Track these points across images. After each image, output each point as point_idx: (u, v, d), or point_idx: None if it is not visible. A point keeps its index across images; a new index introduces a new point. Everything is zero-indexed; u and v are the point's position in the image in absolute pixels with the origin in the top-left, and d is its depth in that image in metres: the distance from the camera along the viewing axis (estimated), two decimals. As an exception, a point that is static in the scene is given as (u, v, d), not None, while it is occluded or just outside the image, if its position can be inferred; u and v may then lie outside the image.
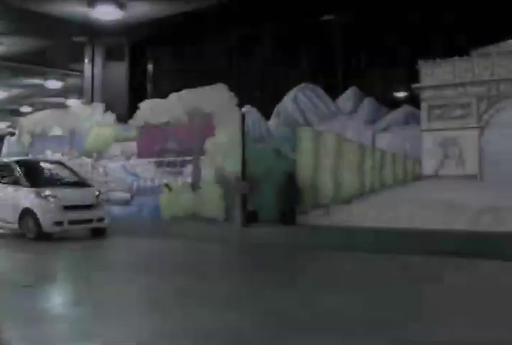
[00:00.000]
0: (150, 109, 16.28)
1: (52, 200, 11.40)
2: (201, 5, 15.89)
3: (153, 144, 16.01)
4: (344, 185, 13.82)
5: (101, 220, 11.81)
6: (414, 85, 13.36)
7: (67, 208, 11.39)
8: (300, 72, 16.56)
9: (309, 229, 13.04)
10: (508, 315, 5.39)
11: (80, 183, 12.59)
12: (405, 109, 14.24)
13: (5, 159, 14.12)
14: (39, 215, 11.21)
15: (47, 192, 11.53)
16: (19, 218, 11.44)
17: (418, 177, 13.15)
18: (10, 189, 11.97)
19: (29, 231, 11.37)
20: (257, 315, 5.33)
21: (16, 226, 11.63)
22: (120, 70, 19.55)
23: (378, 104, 14.84)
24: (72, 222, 11.41)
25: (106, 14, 17.07)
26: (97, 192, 12.25)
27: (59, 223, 11.28)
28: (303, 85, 15.69)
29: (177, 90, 15.58)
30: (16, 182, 11.86)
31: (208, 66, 18.05)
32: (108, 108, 17.47)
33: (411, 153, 13.40)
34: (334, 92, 15.39)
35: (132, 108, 17.07)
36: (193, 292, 6.49)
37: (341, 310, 5.48)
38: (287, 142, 14.51)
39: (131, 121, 16.71)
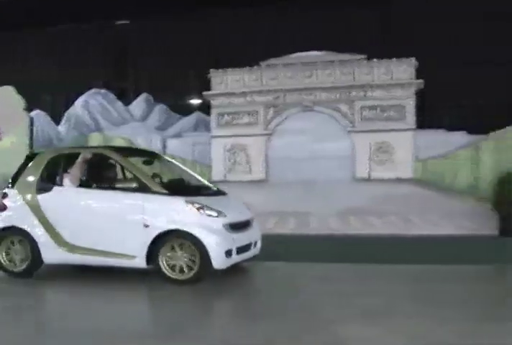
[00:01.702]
0: None
1: (215, 216, 7.26)
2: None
3: None
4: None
5: (256, 243, 7.95)
6: (205, 93, 14.46)
7: (233, 228, 7.35)
8: (92, 76, 16.70)
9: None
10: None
11: (210, 188, 8.23)
12: (196, 116, 15.30)
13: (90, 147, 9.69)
14: (206, 242, 7.08)
15: (202, 203, 7.27)
16: (150, 247, 7.06)
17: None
18: (117, 197, 7.36)
19: (175, 269, 6.96)
20: None
21: (139, 261, 7.08)
22: None
23: (169, 111, 15.66)
24: (240, 250, 7.39)
25: None
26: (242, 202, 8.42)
27: (228, 254, 7.17)
28: (93, 90, 15.94)
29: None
30: (126, 187, 7.38)
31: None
32: None
33: (201, 159, 14.27)
34: (127, 98, 15.85)
35: None
36: None
37: None
38: (77, 147, 14.51)
39: None
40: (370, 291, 6.09)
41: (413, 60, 13.38)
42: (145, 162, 7.91)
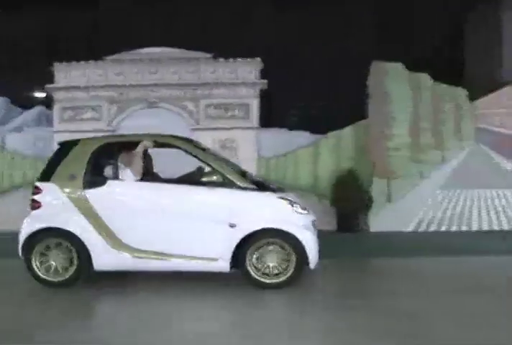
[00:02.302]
0: None
1: (305, 213, 6.76)
2: None
3: None
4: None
5: None
6: (47, 86, 14.15)
7: (315, 225, 7.06)
8: None
9: None
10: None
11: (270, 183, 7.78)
12: (39, 110, 14.91)
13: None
14: (304, 241, 6.49)
15: (293, 199, 6.82)
16: (236, 249, 6.48)
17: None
18: (194, 193, 6.66)
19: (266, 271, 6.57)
20: None
21: (221, 264, 6.51)
22: None
23: (10, 104, 15.14)
24: None
25: None
26: None
27: (320, 252, 6.76)
28: None
29: None
30: (205, 181, 6.63)
31: None
32: None
33: (43, 154, 13.89)
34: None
35: None
36: None
37: None
38: None
39: None
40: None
41: (258, 60, 13.86)
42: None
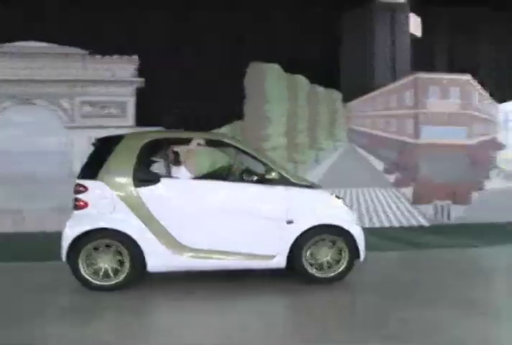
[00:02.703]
0: None
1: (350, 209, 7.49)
2: None
3: None
4: None
5: None
6: None
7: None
8: None
9: None
10: None
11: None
12: None
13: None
14: (356, 236, 6.73)
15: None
16: (292, 245, 6.54)
17: None
18: (252, 191, 6.61)
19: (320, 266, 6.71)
20: None
21: (278, 261, 6.54)
22: None
23: None
24: None
25: None
26: None
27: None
28: None
29: None
30: (260, 179, 6.56)
31: None
32: None
33: None
34: None
35: None
36: None
37: None
38: None
39: None
40: None
41: (135, 58, 13.80)
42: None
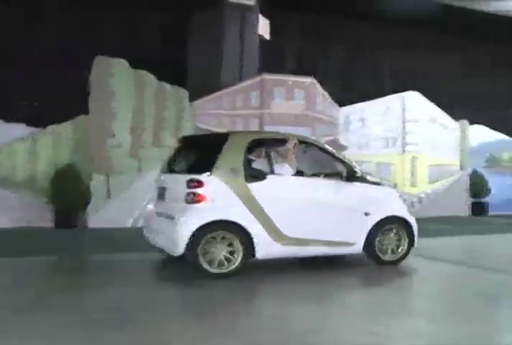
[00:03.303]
0: None
1: None
2: None
3: None
4: None
5: None
6: None
7: None
8: None
9: None
10: None
11: None
12: None
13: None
14: (413, 225, 8.39)
15: None
16: (368, 234, 7.96)
17: None
18: (337, 187, 7.79)
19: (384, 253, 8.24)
20: None
21: (357, 247, 7.97)
22: None
23: None
24: None
25: None
26: None
27: None
28: None
29: None
30: (340, 176, 7.83)
31: None
32: None
33: None
34: None
35: None
36: None
37: None
38: None
39: None
40: None
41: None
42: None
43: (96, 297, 6.22)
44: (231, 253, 6.99)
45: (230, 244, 7.00)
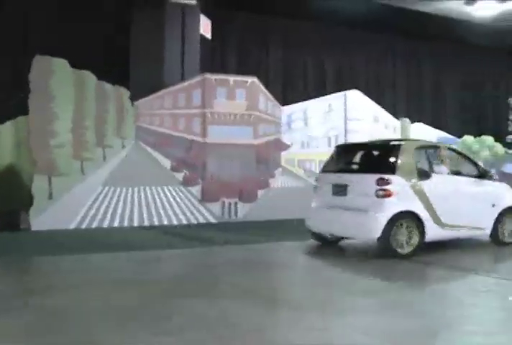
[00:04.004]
0: None
1: None
2: None
3: None
4: None
5: None
6: None
7: None
8: None
9: None
10: None
11: None
12: None
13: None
14: None
15: None
16: (495, 221, 10.56)
17: None
18: (476, 184, 10.35)
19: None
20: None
21: (486, 232, 10.57)
22: None
23: None
24: None
25: None
26: None
27: None
28: None
29: None
30: (478, 175, 10.51)
31: None
32: None
33: None
34: None
35: None
36: None
37: None
38: None
39: None
40: None
41: None
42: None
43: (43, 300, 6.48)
44: (409, 237, 8.96)
45: (409, 230, 8.95)
